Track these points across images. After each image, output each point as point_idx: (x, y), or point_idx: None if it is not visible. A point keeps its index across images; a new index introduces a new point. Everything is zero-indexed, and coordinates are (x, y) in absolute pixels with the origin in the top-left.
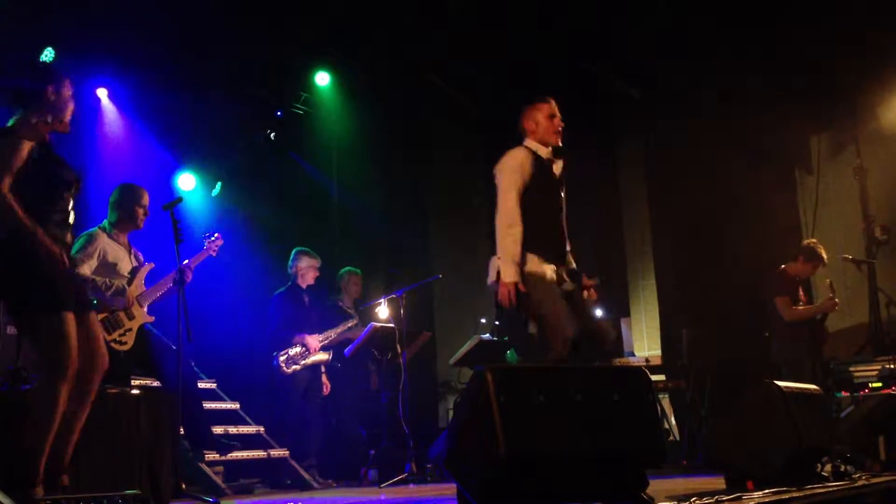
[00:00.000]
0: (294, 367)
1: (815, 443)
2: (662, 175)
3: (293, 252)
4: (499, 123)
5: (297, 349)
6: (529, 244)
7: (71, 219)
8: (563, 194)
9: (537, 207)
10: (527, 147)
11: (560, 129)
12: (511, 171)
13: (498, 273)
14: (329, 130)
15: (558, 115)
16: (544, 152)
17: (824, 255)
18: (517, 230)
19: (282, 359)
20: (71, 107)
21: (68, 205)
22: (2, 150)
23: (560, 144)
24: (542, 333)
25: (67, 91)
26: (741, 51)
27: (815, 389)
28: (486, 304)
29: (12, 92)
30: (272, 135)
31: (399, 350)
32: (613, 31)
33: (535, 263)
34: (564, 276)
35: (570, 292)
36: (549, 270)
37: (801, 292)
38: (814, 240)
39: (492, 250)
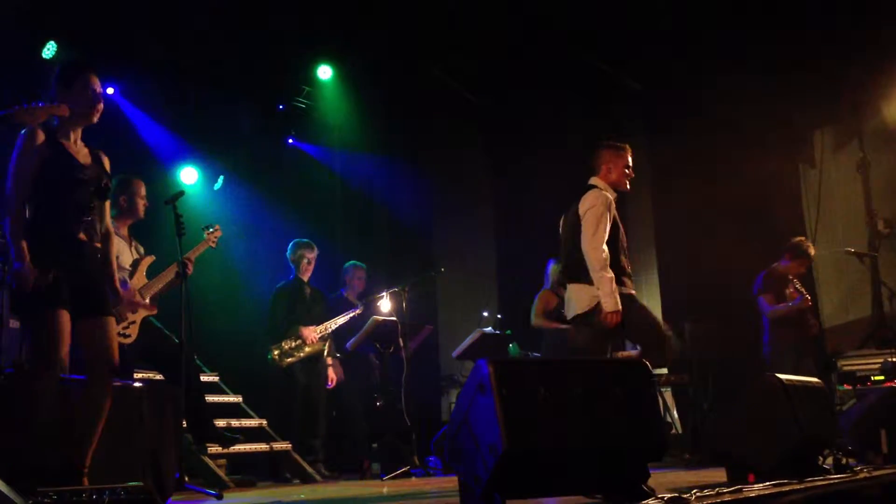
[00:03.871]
0: (288, 360)
1: (816, 435)
2: (665, 169)
3: (291, 244)
4: (500, 117)
5: (292, 342)
6: (619, 272)
7: (99, 220)
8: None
9: (616, 241)
10: (604, 191)
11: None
12: (601, 216)
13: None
14: (331, 124)
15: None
16: (612, 194)
17: (811, 252)
18: (610, 272)
19: (275, 352)
20: (99, 104)
21: (84, 205)
22: (18, 160)
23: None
24: (647, 341)
25: (95, 90)
26: (744, 45)
27: (816, 382)
28: (488, 298)
29: (40, 89)
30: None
31: (401, 343)
32: (615, 26)
33: (627, 287)
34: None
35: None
36: (634, 291)
37: (792, 289)
38: (801, 237)
39: (579, 277)
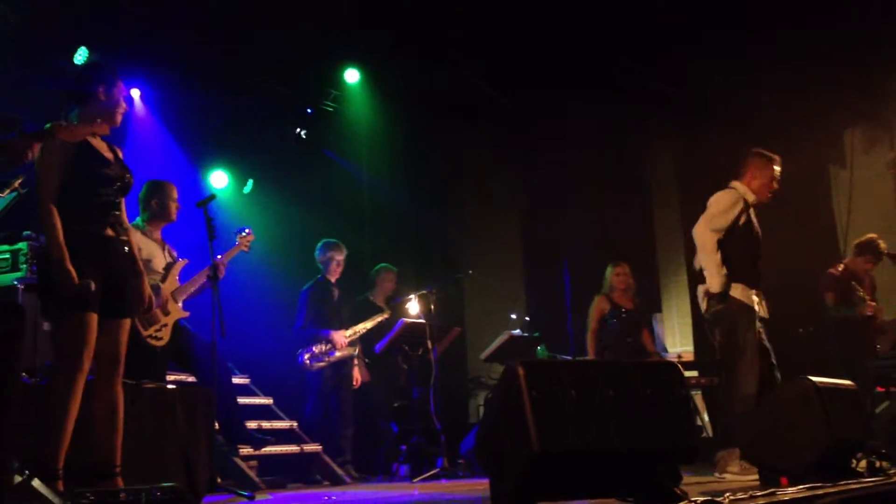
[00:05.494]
0: (318, 364)
1: (849, 438)
2: (693, 171)
3: (319, 244)
4: (528, 118)
5: (323, 346)
6: (736, 274)
7: (122, 215)
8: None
9: (751, 246)
10: (736, 191)
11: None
12: (724, 208)
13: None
14: (359, 127)
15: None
16: (751, 198)
17: (880, 249)
18: (718, 255)
19: (306, 356)
20: (122, 107)
21: (111, 201)
22: (43, 162)
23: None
24: (729, 349)
25: (119, 92)
26: (773, 45)
27: (849, 385)
28: (516, 300)
29: (65, 92)
30: (303, 133)
31: (430, 346)
32: (645, 27)
33: (740, 291)
34: (763, 302)
35: (763, 318)
36: (754, 295)
37: (859, 289)
38: (873, 235)
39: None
